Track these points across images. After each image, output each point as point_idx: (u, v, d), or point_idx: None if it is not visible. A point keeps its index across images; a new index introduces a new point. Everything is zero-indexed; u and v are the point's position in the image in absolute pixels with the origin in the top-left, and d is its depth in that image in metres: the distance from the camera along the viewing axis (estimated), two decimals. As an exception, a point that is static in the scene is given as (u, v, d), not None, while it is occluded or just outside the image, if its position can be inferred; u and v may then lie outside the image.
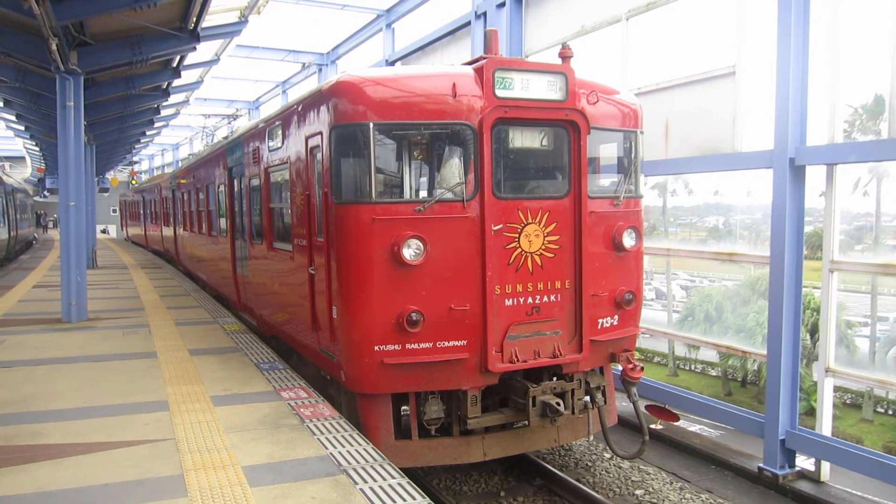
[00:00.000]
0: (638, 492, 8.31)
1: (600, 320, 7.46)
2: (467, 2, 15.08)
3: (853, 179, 29.84)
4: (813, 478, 8.59)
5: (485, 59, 6.94)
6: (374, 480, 5.13)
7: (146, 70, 15.98)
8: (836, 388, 28.17)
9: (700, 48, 10.06)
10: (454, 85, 6.68)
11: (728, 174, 9.70)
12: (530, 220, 6.98)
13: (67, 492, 4.93)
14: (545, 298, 7.08)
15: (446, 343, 6.69)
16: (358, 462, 5.49)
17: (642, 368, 7.69)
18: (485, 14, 14.24)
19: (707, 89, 9.60)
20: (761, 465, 8.81)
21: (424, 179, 7.32)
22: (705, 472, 9.10)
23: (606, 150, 7.98)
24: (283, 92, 28.55)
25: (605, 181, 8.15)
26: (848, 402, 30.45)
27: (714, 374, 35.52)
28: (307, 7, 19.16)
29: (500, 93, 6.76)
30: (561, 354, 7.12)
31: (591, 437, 8.08)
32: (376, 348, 6.59)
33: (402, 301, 6.55)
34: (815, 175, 8.62)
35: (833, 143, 8.34)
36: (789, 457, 8.72)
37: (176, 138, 47.54)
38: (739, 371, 33.51)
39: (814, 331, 24.89)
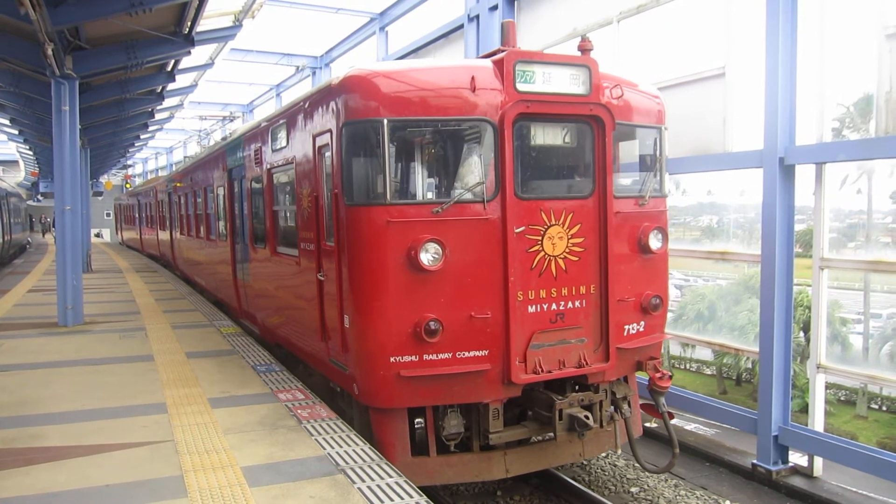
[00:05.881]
0: (633, 489, 8.39)
1: (626, 327, 7.08)
2: (460, 5, 15.16)
3: (842, 176, 29.99)
4: (806, 473, 8.69)
5: (503, 51, 6.54)
6: (372, 479, 5.19)
7: (141, 74, 16.02)
8: (831, 386, 28.43)
9: (690, 50, 10.17)
10: (473, 78, 6.25)
11: (721, 174, 9.79)
12: (553, 222, 6.60)
13: (68, 493, 4.98)
14: (570, 304, 6.71)
15: (467, 353, 6.31)
16: (356, 462, 5.55)
17: (671, 377, 7.31)
18: (477, 17, 14.30)
19: (697, 90, 9.70)
20: (755, 461, 8.91)
21: (442, 179, 6.97)
22: (700, 469, 9.18)
23: (629, 146, 7.62)
24: (277, 95, 28.60)
25: (626, 180, 7.72)
26: (843, 398, 30.63)
27: (709, 372, 35.67)
28: (301, 10, 19.24)
29: (521, 87, 6.37)
30: (587, 364, 6.72)
31: (619, 451, 7.69)
32: (392, 360, 6.20)
33: (420, 309, 6.17)
34: (808, 173, 8.72)
35: (822, 142, 8.45)
36: (782, 453, 8.81)
37: (170, 142, 47.50)
38: (734, 369, 33.66)
39: (807, 328, 25.04)
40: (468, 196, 6.31)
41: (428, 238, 6.10)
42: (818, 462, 8.66)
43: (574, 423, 6.52)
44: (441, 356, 6.25)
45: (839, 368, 8.67)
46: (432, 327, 6.12)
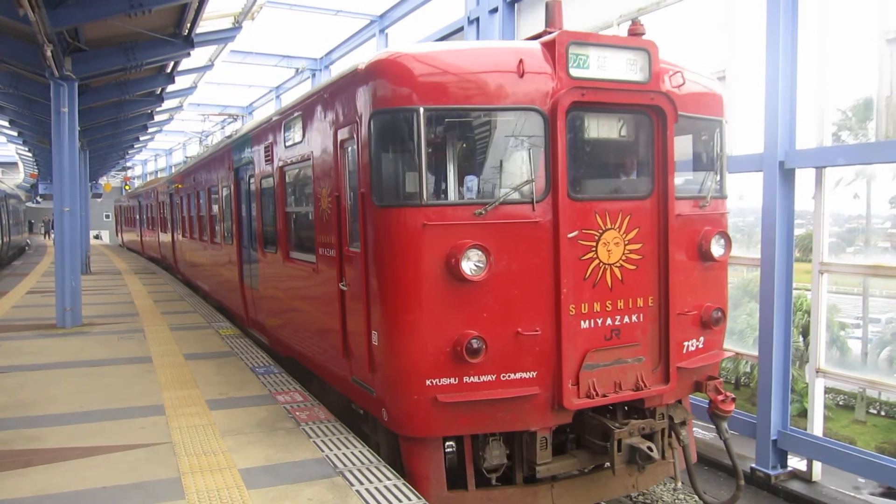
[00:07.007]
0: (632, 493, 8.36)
1: (686, 343, 6.34)
2: (460, 7, 15.18)
3: (836, 178, 29.98)
4: (805, 478, 8.68)
5: (551, 32, 5.86)
6: (370, 482, 5.18)
7: (140, 76, 16.05)
8: (830, 390, 28.44)
9: (691, 53, 10.16)
10: (521, 62, 5.54)
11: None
12: (609, 226, 5.86)
13: (65, 495, 4.96)
14: (626, 319, 5.96)
15: (513, 375, 5.58)
16: (354, 464, 5.53)
17: (734, 399, 6.59)
18: (477, 20, 14.32)
19: (698, 94, 9.68)
20: (754, 465, 8.90)
21: (485, 177, 6.15)
22: (698, 473, 9.13)
23: (685, 141, 6.78)
24: (277, 97, 28.61)
25: (678, 179, 6.69)
26: (841, 403, 30.63)
27: (708, 376, 35.70)
28: (301, 12, 19.28)
29: (574, 72, 5.63)
30: (645, 386, 5.95)
31: (679, 484, 6.73)
32: (428, 383, 5.45)
33: (460, 325, 5.44)
34: (808, 177, 8.73)
35: (822, 146, 8.46)
36: (781, 457, 8.81)
37: (169, 143, 47.52)
38: (732, 373, 33.65)
39: (806, 332, 25.04)
40: (515, 196, 5.58)
41: (470, 244, 5.37)
42: (817, 466, 8.65)
43: (636, 454, 5.77)
44: (484, 378, 5.52)
45: (838, 373, 8.68)
46: (474, 346, 5.39)
